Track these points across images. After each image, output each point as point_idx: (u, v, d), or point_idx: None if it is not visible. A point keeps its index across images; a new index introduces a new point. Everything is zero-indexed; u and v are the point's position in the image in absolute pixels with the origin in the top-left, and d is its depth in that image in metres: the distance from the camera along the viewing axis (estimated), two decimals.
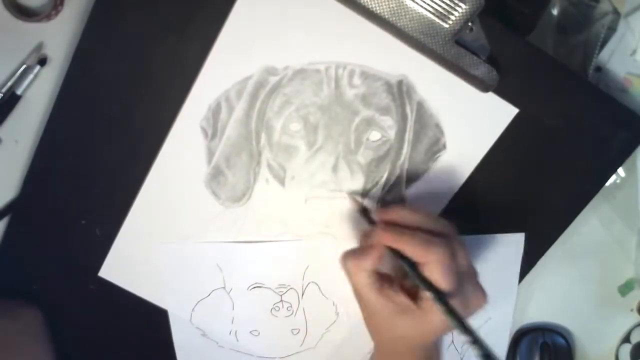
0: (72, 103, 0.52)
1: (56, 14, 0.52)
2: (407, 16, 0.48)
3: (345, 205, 0.55)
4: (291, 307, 0.58)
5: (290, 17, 0.50)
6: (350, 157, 0.54)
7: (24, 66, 0.52)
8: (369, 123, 0.53)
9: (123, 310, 0.58)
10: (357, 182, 0.55)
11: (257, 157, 0.54)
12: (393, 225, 0.47)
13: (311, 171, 0.54)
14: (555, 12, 0.61)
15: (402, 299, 0.46)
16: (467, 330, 0.42)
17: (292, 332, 0.59)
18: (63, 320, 0.58)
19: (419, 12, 0.48)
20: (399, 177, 0.55)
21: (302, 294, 0.58)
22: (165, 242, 0.55)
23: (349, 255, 0.48)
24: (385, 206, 0.56)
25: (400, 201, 0.56)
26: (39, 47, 0.53)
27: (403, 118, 0.54)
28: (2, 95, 0.53)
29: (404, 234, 0.46)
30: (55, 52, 0.53)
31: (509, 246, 0.59)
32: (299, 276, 0.57)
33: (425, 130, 0.54)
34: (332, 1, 0.49)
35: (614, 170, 0.58)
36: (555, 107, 0.55)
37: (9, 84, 0.53)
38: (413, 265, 0.45)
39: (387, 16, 0.48)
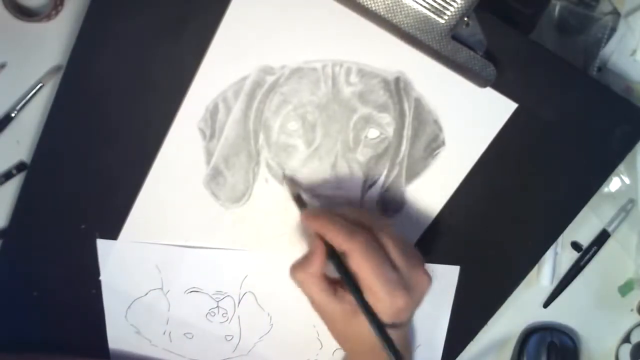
0: (69, 106, 0.52)
1: (56, 14, 0.52)
2: (403, 12, 0.48)
3: (344, 203, 0.55)
4: (227, 313, 0.59)
5: (286, 16, 0.51)
6: (349, 155, 0.54)
7: (40, 85, 0.53)
8: (367, 120, 0.53)
9: None
10: (356, 180, 0.55)
11: (256, 157, 0.54)
12: (321, 213, 0.49)
13: (310, 170, 0.54)
14: (555, 12, 0.61)
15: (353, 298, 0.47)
16: (380, 331, 0.44)
17: (226, 338, 0.60)
18: (65, 325, 0.58)
19: (414, 8, 0.48)
20: (398, 175, 0.55)
21: (239, 303, 0.58)
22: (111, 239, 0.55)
23: (296, 266, 0.48)
24: (383, 204, 0.56)
25: (400, 199, 0.56)
26: (59, 67, 0.53)
27: (401, 115, 0.54)
28: (16, 112, 0.54)
29: (328, 220, 0.47)
30: (55, 52, 0.53)
31: (444, 277, 0.59)
32: (237, 285, 0.58)
33: (424, 127, 0.54)
34: None
35: (616, 165, 0.58)
36: (555, 101, 0.55)
37: (23, 102, 0.53)
38: (340, 264, 0.46)
39: (382, 13, 0.48)
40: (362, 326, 0.46)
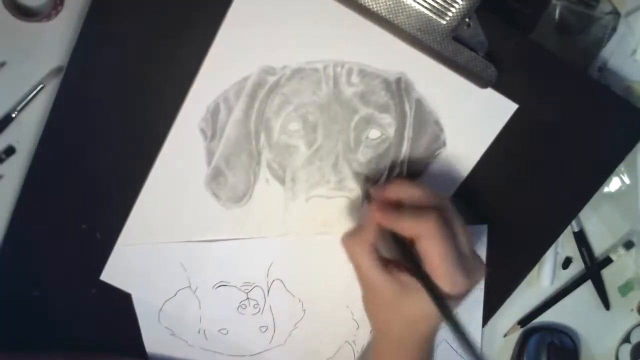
0: (70, 105, 0.52)
1: (56, 14, 0.52)
2: (404, 13, 0.48)
3: (345, 204, 0.55)
4: (258, 304, 0.58)
5: (288, 16, 0.51)
6: (349, 156, 0.54)
7: (41, 85, 0.53)
8: (368, 121, 0.53)
9: (125, 313, 0.57)
10: (357, 181, 0.55)
11: (257, 157, 0.54)
12: (387, 205, 0.47)
13: (311, 170, 0.54)
14: (555, 12, 0.61)
15: (407, 277, 0.46)
16: (454, 323, 0.42)
17: (261, 330, 0.59)
18: (65, 325, 0.58)
19: (416, 9, 0.48)
20: (399, 175, 0.55)
21: (268, 291, 0.58)
22: (131, 243, 0.55)
23: (349, 235, 0.48)
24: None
25: None
26: (60, 68, 0.53)
27: (402, 115, 0.54)
28: (16, 113, 0.53)
29: (394, 212, 0.46)
30: (55, 53, 0.53)
31: (474, 237, 0.58)
32: (263, 273, 0.57)
33: (425, 128, 0.54)
34: (329, 0, 0.49)
35: (616, 165, 0.58)
36: (555, 102, 0.55)
37: (24, 102, 0.53)
38: (408, 253, 0.45)
39: (384, 14, 0.48)
40: (410, 307, 0.45)
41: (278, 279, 0.58)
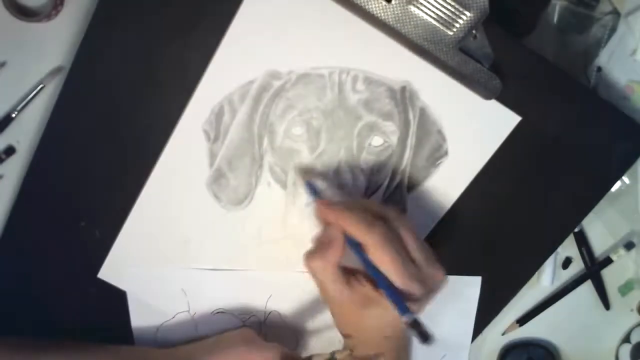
0: (73, 105, 0.52)
1: (56, 14, 0.51)
2: (412, 23, 0.48)
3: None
4: None
5: (295, 21, 0.50)
6: (352, 162, 0.54)
7: (41, 85, 0.52)
8: (371, 128, 0.54)
9: (123, 311, 0.58)
10: (359, 187, 0.55)
11: (259, 161, 0.54)
12: (337, 204, 0.48)
13: (313, 175, 0.54)
14: (555, 12, 0.61)
15: (368, 290, 0.47)
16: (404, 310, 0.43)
17: None
18: (63, 322, 0.58)
19: (423, 19, 0.48)
20: (400, 183, 0.56)
21: (264, 321, 0.59)
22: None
23: (312, 254, 0.47)
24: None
25: (401, 207, 0.56)
26: (59, 68, 0.53)
27: (405, 124, 0.54)
28: (16, 113, 0.53)
29: (346, 211, 0.47)
30: (55, 53, 0.52)
31: (466, 288, 0.60)
32: (262, 304, 0.58)
33: (428, 137, 0.55)
34: (337, 7, 0.49)
35: (616, 179, 0.59)
36: (558, 115, 0.56)
37: (24, 102, 0.53)
38: (361, 251, 0.46)
39: (391, 22, 0.48)
40: (374, 318, 0.47)
41: (276, 311, 0.58)
